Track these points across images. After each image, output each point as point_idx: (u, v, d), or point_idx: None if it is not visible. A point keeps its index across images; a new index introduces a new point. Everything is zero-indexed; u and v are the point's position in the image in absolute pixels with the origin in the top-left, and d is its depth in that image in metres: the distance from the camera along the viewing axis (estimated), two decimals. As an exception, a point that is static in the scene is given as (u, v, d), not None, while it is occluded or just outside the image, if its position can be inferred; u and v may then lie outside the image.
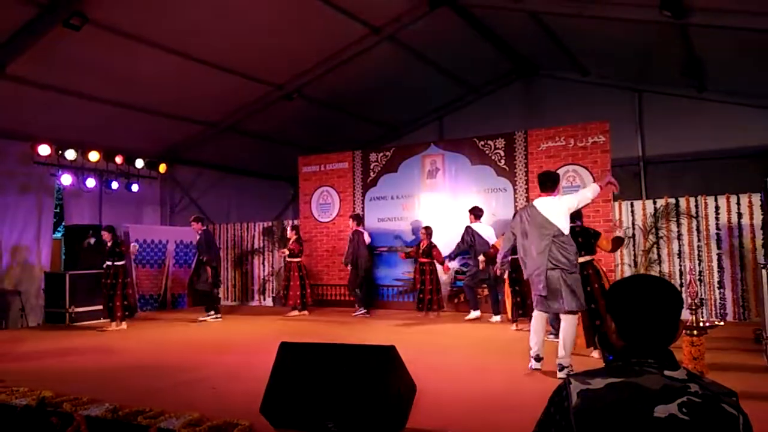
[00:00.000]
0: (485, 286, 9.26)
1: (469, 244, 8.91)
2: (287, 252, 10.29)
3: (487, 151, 10.01)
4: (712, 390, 1.36)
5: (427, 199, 10.53)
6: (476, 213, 9.07)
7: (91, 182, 10.41)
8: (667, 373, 1.38)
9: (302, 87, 10.47)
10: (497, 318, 8.70)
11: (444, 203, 10.28)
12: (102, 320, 9.06)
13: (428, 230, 9.53)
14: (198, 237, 9.69)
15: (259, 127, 11.64)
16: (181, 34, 8.17)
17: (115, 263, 8.63)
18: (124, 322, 8.62)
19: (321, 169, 11.67)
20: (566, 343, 4.90)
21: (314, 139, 12.82)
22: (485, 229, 9.04)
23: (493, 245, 8.31)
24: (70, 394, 4.23)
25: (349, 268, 9.93)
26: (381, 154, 11.11)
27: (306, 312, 10.05)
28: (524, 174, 9.66)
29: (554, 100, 11.49)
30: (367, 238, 10.02)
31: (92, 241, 8.51)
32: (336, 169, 11.50)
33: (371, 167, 11.11)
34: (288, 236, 10.55)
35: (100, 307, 8.95)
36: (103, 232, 8.82)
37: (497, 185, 9.88)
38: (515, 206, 9.60)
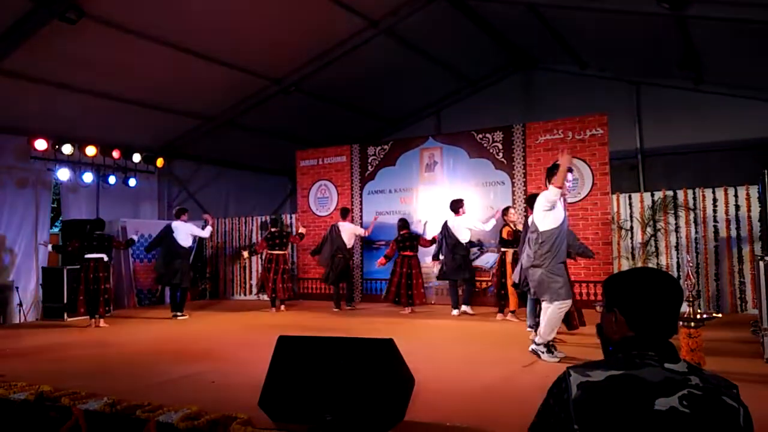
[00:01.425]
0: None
1: (439, 240, 8.90)
2: (246, 255, 10.32)
3: (485, 144, 10.00)
4: (712, 383, 1.36)
5: (426, 193, 10.53)
6: (452, 207, 8.87)
7: (88, 177, 10.38)
8: (667, 365, 1.38)
9: (300, 81, 10.43)
10: (456, 311, 8.69)
11: (442, 196, 10.26)
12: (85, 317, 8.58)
13: (402, 222, 9.34)
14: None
15: (257, 121, 11.61)
16: (178, 27, 8.13)
17: (94, 256, 8.42)
18: (93, 319, 8.33)
19: (319, 163, 11.66)
20: (543, 326, 5.26)
21: (312, 132, 12.80)
22: (463, 222, 8.83)
23: None
24: (69, 389, 4.23)
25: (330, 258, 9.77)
26: (379, 147, 11.09)
27: (274, 308, 9.83)
28: (522, 167, 9.65)
29: (552, 93, 11.47)
30: (344, 230, 9.75)
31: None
32: (334, 163, 11.49)
33: (369, 161, 11.09)
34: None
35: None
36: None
37: (495, 178, 9.88)
38: (513, 199, 9.60)
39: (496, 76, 12.35)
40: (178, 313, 9.07)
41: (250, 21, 8.33)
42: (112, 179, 10.79)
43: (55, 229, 12.63)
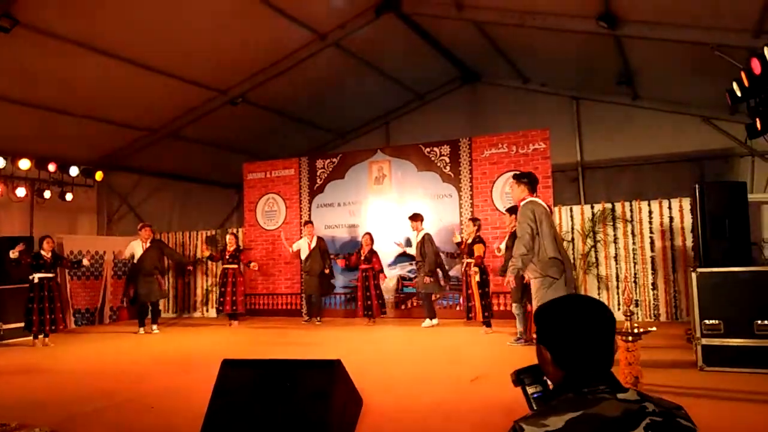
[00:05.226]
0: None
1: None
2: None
3: (432, 158, 10.12)
4: (664, 406, 1.31)
5: (374, 205, 10.55)
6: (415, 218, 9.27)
7: (21, 191, 9.91)
8: (620, 396, 1.31)
9: (247, 92, 10.29)
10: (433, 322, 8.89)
11: (391, 209, 10.32)
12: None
13: (370, 236, 9.63)
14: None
15: (203, 132, 11.36)
16: (120, 37, 7.88)
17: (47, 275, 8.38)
18: (39, 338, 8.27)
19: (267, 176, 11.51)
20: None
21: (260, 145, 12.64)
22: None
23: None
24: (-3, 420, 4.01)
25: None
26: (328, 160, 11.06)
27: (235, 322, 9.98)
28: (469, 180, 9.80)
29: (497, 107, 11.72)
30: (295, 246, 10.19)
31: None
32: (282, 176, 11.37)
33: (318, 174, 11.03)
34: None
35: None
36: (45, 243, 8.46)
37: (443, 191, 10.00)
38: (460, 212, 9.73)
39: (443, 90, 12.52)
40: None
41: (195, 32, 8.17)
42: (47, 194, 10.31)
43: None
